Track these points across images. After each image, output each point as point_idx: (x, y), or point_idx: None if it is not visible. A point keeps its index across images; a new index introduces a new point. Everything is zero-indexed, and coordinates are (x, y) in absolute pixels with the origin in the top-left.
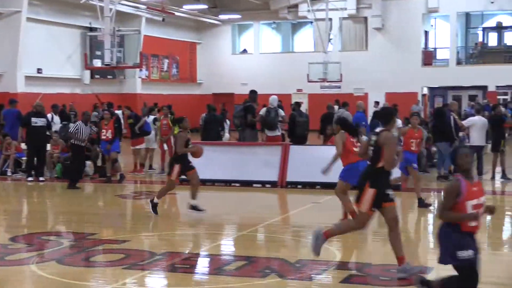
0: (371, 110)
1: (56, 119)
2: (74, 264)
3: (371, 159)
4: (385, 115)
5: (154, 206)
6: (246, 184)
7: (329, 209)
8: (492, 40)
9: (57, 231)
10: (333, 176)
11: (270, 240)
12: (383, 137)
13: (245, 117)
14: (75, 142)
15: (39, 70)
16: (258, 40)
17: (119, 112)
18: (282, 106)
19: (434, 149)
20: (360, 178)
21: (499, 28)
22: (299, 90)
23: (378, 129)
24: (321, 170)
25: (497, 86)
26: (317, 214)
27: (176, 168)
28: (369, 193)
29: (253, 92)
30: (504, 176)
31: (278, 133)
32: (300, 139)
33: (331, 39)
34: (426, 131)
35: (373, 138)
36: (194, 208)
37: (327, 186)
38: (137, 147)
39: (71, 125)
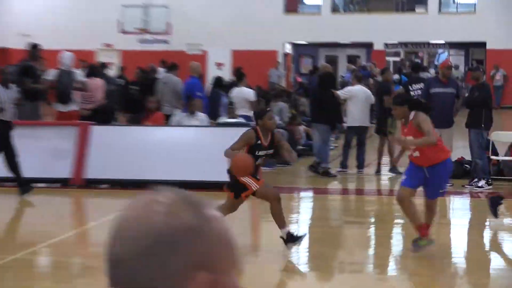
0: (211, 75)
1: None
2: None
3: None
4: None
5: None
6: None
7: None
8: None
9: None
10: (164, 174)
11: (56, 266)
12: None
13: (22, 83)
14: None
15: None
16: None
17: None
18: (100, 70)
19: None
20: None
21: None
22: (107, 45)
23: None
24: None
25: (386, 44)
26: None
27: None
28: None
29: (34, 47)
30: (393, 169)
31: (74, 107)
32: (104, 115)
33: None
34: (289, 105)
35: None
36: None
37: (140, 185)
38: None
39: None
